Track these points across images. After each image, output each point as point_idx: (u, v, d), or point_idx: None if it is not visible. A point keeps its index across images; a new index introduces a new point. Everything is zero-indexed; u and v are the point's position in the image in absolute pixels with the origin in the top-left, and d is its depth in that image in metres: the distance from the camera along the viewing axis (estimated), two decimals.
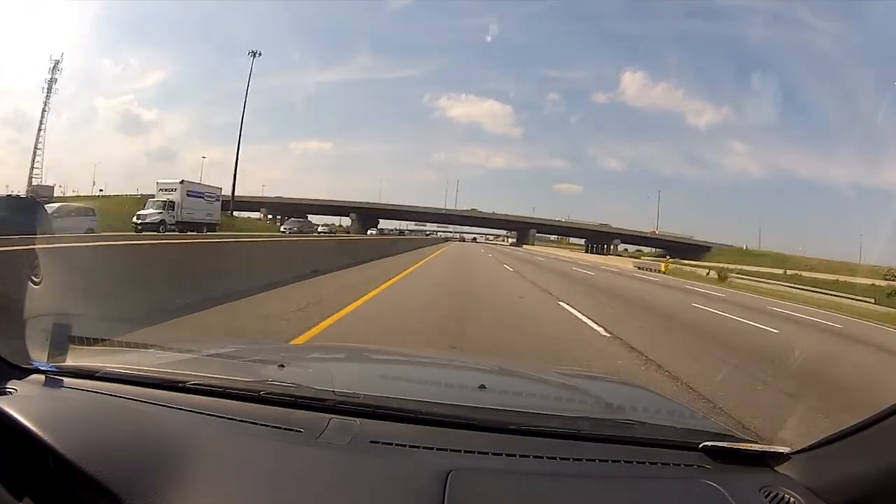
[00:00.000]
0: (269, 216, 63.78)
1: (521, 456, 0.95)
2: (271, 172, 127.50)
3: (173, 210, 16.31)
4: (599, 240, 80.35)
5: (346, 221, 72.73)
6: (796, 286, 23.75)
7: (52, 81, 48.03)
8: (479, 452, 0.94)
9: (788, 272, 34.92)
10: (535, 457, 0.95)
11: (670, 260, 38.57)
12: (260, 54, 43.35)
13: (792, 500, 0.86)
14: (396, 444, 0.94)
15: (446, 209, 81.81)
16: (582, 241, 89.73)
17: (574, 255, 48.01)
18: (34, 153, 47.96)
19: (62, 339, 1.21)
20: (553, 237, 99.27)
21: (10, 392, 0.98)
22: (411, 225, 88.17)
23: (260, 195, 70.64)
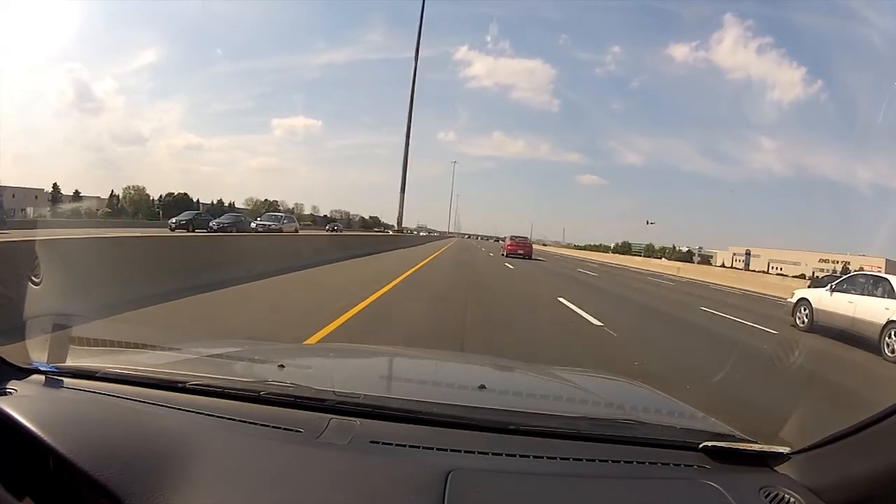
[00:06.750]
0: None
1: (521, 456, 0.95)
2: (256, 160, 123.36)
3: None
4: None
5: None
6: None
7: None
8: (479, 452, 0.94)
9: None
10: (535, 457, 0.95)
11: None
12: None
13: (792, 500, 0.86)
14: (396, 444, 0.94)
15: None
16: None
17: None
18: None
19: (62, 339, 1.22)
20: None
21: (10, 392, 0.98)
22: None
23: None
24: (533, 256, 28.22)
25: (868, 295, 8.06)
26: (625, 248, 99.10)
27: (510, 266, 19.76)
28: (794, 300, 9.89)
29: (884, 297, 7.70)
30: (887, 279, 8.03)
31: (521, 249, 27.34)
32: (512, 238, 29.63)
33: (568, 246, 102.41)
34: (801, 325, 9.45)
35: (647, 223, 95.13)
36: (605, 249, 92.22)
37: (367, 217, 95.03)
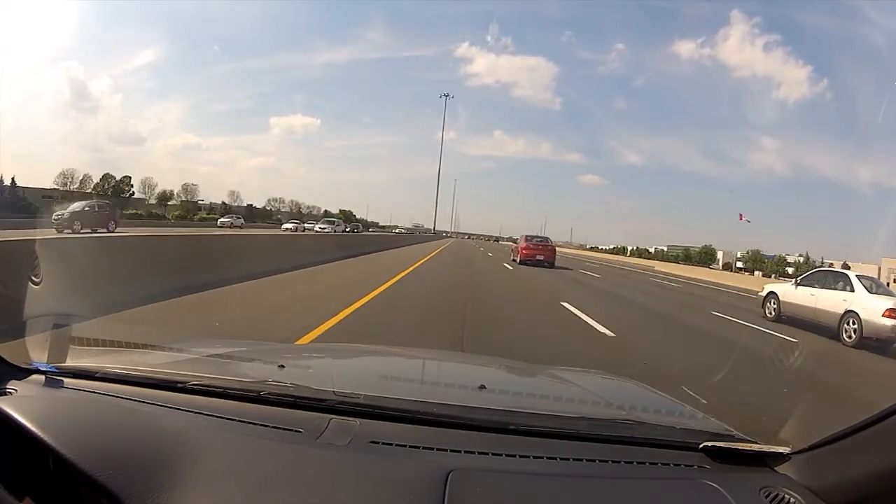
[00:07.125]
0: None
1: (521, 456, 0.95)
2: (254, 160, 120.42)
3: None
4: None
5: None
6: None
7: None
8: (479, 452, 0.94)
9: None
10: (535, 457, 0.96)
11: None
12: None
13: (792, 500, 0.86)
14: (396, 445, 0.94)
15: None
16: None
17: None
18: None
19: (62, 339, 1.21)
20: None
21: (10, 392, 0.98)
22: None
23: None
24: (556, 264, 20.29)
25: (829, 288, 8.84)
26: (708, 256, 68.80)
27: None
28: (763, 293, 10.58)
29: (843, 290, 8.49)
30: (846, 274, 8.86)
31: (540, 254, 19.86)
32: (527, 239, 20.95)
33: (580, 247, 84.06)
34: (770, 316, 10.12)
35: (741, 219, 56.85)
36: (641, 254, 67.74)
37: (333, 212, 68.14)
